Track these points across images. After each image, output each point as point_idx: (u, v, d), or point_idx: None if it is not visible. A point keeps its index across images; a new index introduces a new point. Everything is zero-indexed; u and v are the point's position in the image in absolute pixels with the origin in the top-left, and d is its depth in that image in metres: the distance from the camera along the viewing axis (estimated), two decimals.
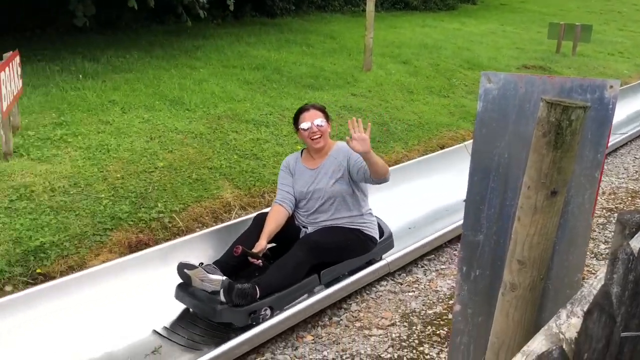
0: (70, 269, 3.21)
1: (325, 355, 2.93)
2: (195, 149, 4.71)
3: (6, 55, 4.18)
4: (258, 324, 2.89)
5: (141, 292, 3.17)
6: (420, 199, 4.67)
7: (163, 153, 4.54)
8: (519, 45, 11.46)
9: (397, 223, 4.27)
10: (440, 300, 3.49)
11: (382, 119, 6.13)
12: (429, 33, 11.77)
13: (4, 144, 4.09)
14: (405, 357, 2.93)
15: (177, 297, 3.07)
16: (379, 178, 3.19)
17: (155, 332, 2.99)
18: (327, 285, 3.30)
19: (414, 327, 3.19)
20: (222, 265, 3.11)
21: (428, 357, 2.95)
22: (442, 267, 3.88)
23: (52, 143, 4.45)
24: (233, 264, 3.16)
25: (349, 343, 3.03)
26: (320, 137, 3.36)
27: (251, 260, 3.16)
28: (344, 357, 2.92)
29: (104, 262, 3.27)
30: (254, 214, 3.56)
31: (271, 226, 3.26)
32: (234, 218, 3.97)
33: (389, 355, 2.95)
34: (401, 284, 3.64)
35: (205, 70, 7.07)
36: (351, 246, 3.38)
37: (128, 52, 7.68)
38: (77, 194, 3.80)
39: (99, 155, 4.33)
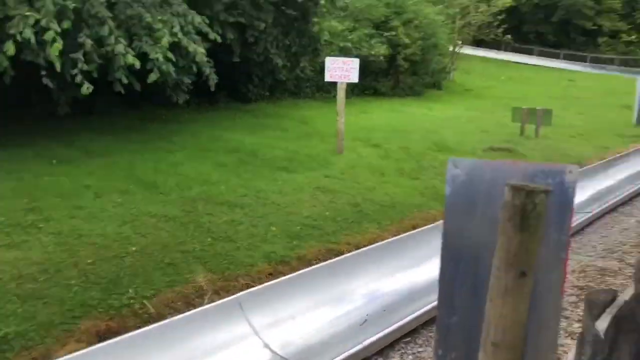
0: None
1: None
2: (169, 233, 4.68)
3: None
4: None
5: None
6: (394, 279, 4.67)
7: (136, 237, 4.50)
8: (485, 128, 11.92)
9: (372, 305, 4.27)
10: None
11: (355, 199, 6.22)
12: (397, 117, 12.21)
13: None
14: None
15: None
16: None
17: None
18: None
19: None
20: None
21: None
22: (420, 350, 3.83)
23: (22, 229, 4.38)
24: None
25: None
26: None
27: None
28: None
29: (70, 352, 3.15)
30: None
31: None
32: (207, 303, 3.90)
33: None
34: None
35: (181, 153, 7.16)
36: None
37: (103, 137, 7.75)
38: (45, 281, 3.71)
39: (70, 241, 4.27)
